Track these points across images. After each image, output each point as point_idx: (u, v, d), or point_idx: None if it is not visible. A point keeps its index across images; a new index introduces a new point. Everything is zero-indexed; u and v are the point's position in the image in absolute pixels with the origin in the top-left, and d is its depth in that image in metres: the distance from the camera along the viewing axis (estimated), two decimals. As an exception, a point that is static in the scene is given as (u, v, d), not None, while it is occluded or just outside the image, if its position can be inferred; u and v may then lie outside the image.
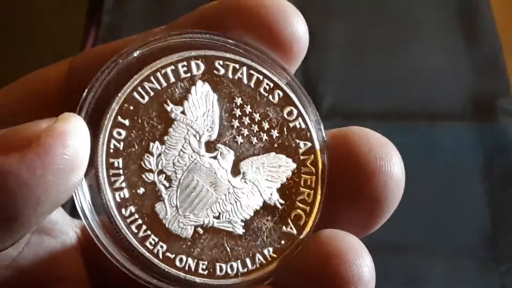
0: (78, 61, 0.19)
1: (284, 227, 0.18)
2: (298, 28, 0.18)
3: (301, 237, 0.18)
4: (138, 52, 0.18)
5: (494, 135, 0.50)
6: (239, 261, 0.18)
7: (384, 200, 0.18)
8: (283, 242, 0.18)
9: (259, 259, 0.18)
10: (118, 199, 0.17)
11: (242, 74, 0.19)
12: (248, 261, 0.18)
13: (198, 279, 0.18)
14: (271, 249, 0.18)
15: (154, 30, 0.19)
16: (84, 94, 0.18)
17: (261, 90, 0.19)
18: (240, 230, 0.18)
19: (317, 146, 0.19)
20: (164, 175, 0.18)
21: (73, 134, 0.16)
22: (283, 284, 0.17)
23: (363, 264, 0.17)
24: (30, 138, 0.15)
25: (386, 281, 0.45)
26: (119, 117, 0.18)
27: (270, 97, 0.19)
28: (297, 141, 0.19)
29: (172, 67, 0.18)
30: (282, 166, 0.19)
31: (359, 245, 0.17)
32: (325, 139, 0.19)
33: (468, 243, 0.46)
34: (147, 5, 0.57)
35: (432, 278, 0.45)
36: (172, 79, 0.18)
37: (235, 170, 0.19)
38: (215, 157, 0.18)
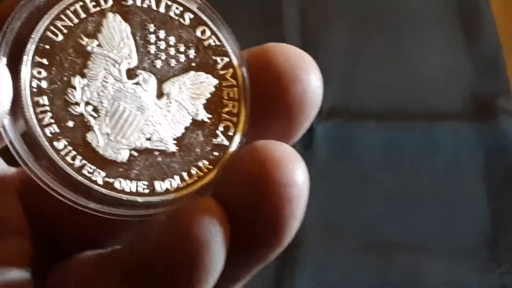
0: None
1: (214, 139, 0.19)
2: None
3: (233, 146, 0.19)
4: None
5: (495, 135, 0.50)
6: (176, 176, 0.18)
7: (303, 108, 0.19)
8: (216, 153, 0.19)
9: (195, 172, 0.19)
10: (49, 134, 0.18)
11: (150, 1, 0.19)
12: (185, 175, 0.18)
13: (139, 199, 0.18)
14: (205, 161, 0.19)
15: None
16: None
17: (172, 14, 0.20)
18: (173, 148, 0.19)
19: (235, 60, 0.20)
20: (90, 106, 0.18)
21: None
22: (222, 193, 0.18)
23: (296, 168, 0.17)
24: None
25: (385, 281, 0.45)
26: (37, 57, 0.18)
27: (181, 20, 0.20)
28: (214, 57, 0.20)
29: (81, 3, 0.19)
30: (204, 82, 0.19)
31: (292, 152, 0.18)
32: (240, 52, 0.20)
33: (468, 243, 0.46)
34: None
35: (432, 278, 0.45)
36: (83, 15, 0.19)
37: (159, 93, 0.19)
38: (137, 83, 0.19)
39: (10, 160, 0.19)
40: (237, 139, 0.19)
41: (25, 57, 0.18)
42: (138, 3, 0.19)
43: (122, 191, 0.18)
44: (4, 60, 0.18)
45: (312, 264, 0.45)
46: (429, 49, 0.54)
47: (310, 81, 0.19)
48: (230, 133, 0.19)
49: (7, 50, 0.18)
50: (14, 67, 0.18)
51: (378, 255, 0.45)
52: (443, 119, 0.51)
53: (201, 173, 0.19)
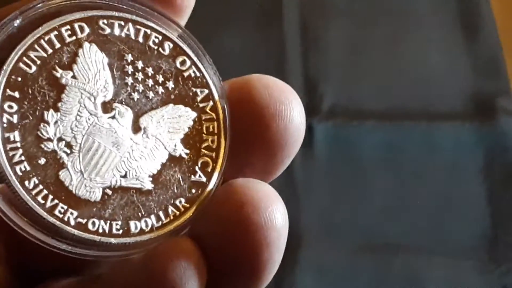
0: None
1: (193, 176, 0.18)
2: None
3: (211, 183, 0.18)
4: (18, 21, 0.18)
5: (494, 135, 0.49)
6: (152, 216, 0.18)
7: (284, 144, 0.18)
8: (193, 191, 0.18)
9: (172, 210, 0.18)
10: (19, 173, 0.17)
11: (128, 30, 0.19)
12: (161, 214, 0.18)
13: (113, 240, 0.17)
14: (182, 199, 0.18)
15: None
16: None
17: (150, 43, 0.19)
18: (149, 185, 0.18)
19: (215, 92, 0.19)
20: (63, 142, 0.18)
21: None
22: (199, 233, 0.17)
23: (275, 210, 0.17)
24: None
25: (385, 281, 0.45)
26: (8, 90, 0.17)
27: (161, 49, 0.19)
28: (194, 89, 0.19)
29: (56, 32, 0.18)
30: (182, 116, 0.19)
31: (271, 193, 0.17)
32: (221, 84, 0.19)
33: (468, 243, 0.46)
34: None
35: (432, 279, 0.45)
36: (58, 45, 0.18)
37: (136, 127, 0.18)
38: (113, 117, 0.18)
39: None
40: (215, 176, 0.18)
41: None
42: (116, 32, 0.18)
43: (95, 232, 0.17)
44: None
45: (312, 264, 0.45)
46: (429, 49, 0.54)
47: (293, 116, 0.18)
48: (209, 170, 0.18)
49: None
50: None
51: (378, 255, 0.45)
52: (443, 119, 0.51)
53: (178, 212, 0.18)
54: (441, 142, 0.50)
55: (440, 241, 0.46)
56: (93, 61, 0.18)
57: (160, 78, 0.19)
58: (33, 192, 0.17)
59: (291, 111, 0.18)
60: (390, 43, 0.55)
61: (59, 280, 0.19)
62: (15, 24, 0.18)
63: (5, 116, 0.17)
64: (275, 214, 0.17)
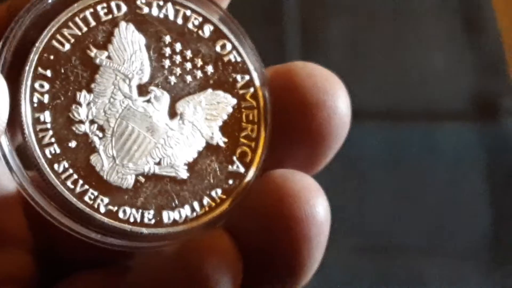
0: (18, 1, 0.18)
1: (230, 166, 0.17)
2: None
3: (249, 175, 0.17)
4: None
5: (496, 135, 0.49)
6: (186, 206, 0.17)
7: (328, 135, 0.17)
8: (230, 182, 0.17)
9: (207, 202, 0.17)
10: (49, 156, 0.16)
11: (167, 10, 0.18)
12: (196, 205, 0.17)
13: (145, 230, 0.17)
14: (219, 190, 0.17)
15: None
16: None
17: (190, 25, 0.18)
18: (184, 174, 0.17)
19: (256, 79, 0.18)
20: (96, 125, 0.17)
21: None
22: (235, 226, 0.16)
23: (317, 204, 0.16)
24: None
25: (385, 281, 0.44)
26: (39, 69, 0.17)
27: (200, 32, 0.18)
28: (234, 75, 0.18)
29: (91, 10, 0.17)
30: (221, 103, 0.18)
31: (313, 185, 0.16)
32: (263, 70, 0.18)
33: (470, 244, 0.46)
34: None
35: (433, 279, 0.44)
36: (93, 23, 0.17)
37: (172, 112, 0.18)
38: (148, 101, 0.17)
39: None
40: (254, 166, 0.17)
41: (26, 68, 0.17)
42: (154, 12, 0.18)
43: (126, 221, 0.17)
44: (3, 70, 0.16)
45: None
46: (430, 48, 0.54)
47: (337, 107, 0.17)
48: (247, 160, 0.18)
49: (8, 58, 0.17)
50: (14, 78, 0.16)
51: (378, 256, 0.45)
52: (444, 119, 0.50)
53: (213, 204, 0.17)
54: (443, 142, 0.49)
55: (441, 242, 0.46)
56: (129, 41, 0.17)
57: (199, 62, 0.18)
58: (63, 177, 0.16)
59: (336, 101, 0.17)
60: (391, 43, 0.54)
61: (87, 273, 0.19)
62: (49, 1, 0.17)
63: (36, 95, 0.17)
64: (316, 208, 0.16)
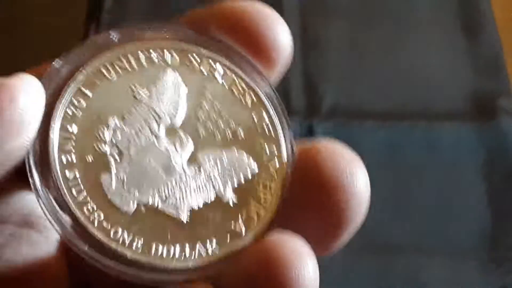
0: None
1: (232, 225, 0.18)
2: (280, 36, 0.18)
3: (248, 238, 0.18)
4: (116, 34, 0.18)
5: (495, 135, 0.49)
6: (177, 245, 0.17)
7: (344, 218, 0.17)
8: (228, 239, 0.17)
9: (199, 249, 0.17)
10: (64, 161, 0.17)
11: (217, 71, 0.19)
12: (187, 248, 0.17)
13: (129, 254, 0.17)
14: (214, 243, 0.17)
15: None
16: (55, 63, 0.18)
17: (234, 90, 0.19)
18: (184, 218, 0.17)
19: (284, 155, 0.18)
20: (117, 149, 0.18)
21: (24, 90, 0.16)
22: (221, 282, 0.17)
23: (304, 268, 0.16)
24: None
25: (385, 281, 0.45)
26: (82, 87, 0.18)
27: (242, 98, 0.19)
28: (264, 145, 0.18)
29: (146, 52, 0.18)
30: (242, 166, 0.18)
31: (302, 248, 0.16)
32: (294, 150, 0.18)
33: (468, 243, 0.46)
34: (147, 6, 0.57)
35: (432, 279, 0.45)
36: (144, 64, 0.18)
37: (192, 159, 0.18)
38: (173, 143, 0.18)
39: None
40: (256, 232, 0.17)
41: (71, 83, 0.17)
42: (204, 69, 0.18)
43: (115, 240, 0.17)
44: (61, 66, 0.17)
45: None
46: (429, 48, 0.54)
47: (356, 190, 0.18)
48: (252, 225, 0.18)
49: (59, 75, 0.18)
50: (57, 91, 0.17)
51: (378, 256, 0.45)
52: (443, 119, 0.51)
53: (204, 253, 0.17)
54: (442, 142, 0.50)
55: (440, 241, 0.46)
56: (173, 89, 0.18)
57: (233, 125, 0.18)
58: (70, 184, 0.17)
59: (355, 184, 0.18)
60: (390, 43, 0.54)
61: None
62: (114, 37, 0.18)
63: (72, 108, 0.17)
64: (303, 271, 0.16)
